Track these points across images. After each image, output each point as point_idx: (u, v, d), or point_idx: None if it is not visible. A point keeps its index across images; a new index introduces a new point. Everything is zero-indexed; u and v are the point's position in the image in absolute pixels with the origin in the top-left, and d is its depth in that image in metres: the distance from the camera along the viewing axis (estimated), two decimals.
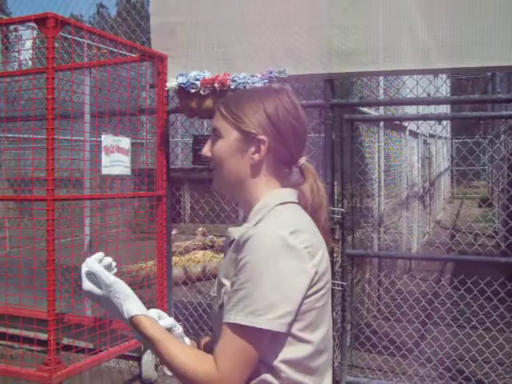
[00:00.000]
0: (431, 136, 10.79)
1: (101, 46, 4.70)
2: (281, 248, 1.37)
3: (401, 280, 5.74)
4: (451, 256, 6.02)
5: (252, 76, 3.95)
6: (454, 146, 16.85)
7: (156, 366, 4.44)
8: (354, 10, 3.95)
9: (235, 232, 1.51)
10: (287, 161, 1.58)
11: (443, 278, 6.21)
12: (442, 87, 8.86)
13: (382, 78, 5.56)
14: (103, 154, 3.76)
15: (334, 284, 3.99)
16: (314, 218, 1.55)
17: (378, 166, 5.77)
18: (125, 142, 3.95)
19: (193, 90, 4.02)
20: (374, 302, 5.31)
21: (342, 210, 3.99)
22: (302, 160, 1.60)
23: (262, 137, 1.53)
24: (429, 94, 4.57)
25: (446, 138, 14.87)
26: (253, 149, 1.54)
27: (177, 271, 6.94)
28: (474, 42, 3.69)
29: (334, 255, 4.02)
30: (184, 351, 1.42)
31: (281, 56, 4.09)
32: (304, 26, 4.03)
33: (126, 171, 3.97)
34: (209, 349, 1.57)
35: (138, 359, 4.52)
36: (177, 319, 4.58)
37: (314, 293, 1.42)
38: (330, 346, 1.53)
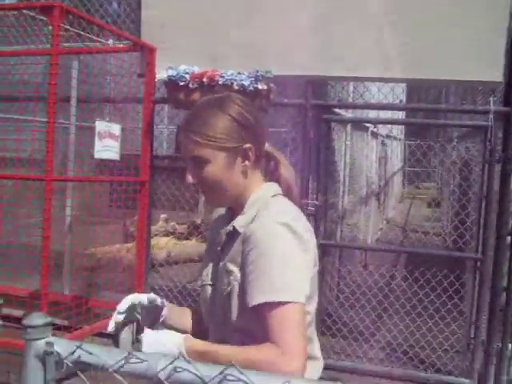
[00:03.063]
0: (387, 137, 11.23)
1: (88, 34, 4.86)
2: (288, 233, 1.51)
3: (360, 271, 6.10)
4: (419, 249, 6.40)
5: (239, 73, 4.19)
6: (406, 147, 17.42)
7: (132, 344, 4.63)
8: (334, 22, 4.25)
9: (236, 223, 1.63)
10: (262, 153, 1.70)
11: (399, 270, 6.61)
12: (398, 91, 9.27)
13: (351, 83, 5.88)
14: (96, 138, 3.94)
15: None
16: (289, 194, 1.71)
17: (344, 163, 6.10)
18: (115, 128, 4.14)
19: (182, 83, 4.24)
20: (339, 290, 5.63)
21: (316, 202, 4.29)
22: (266, 146, 1.73)
23: (247, 145, 1.63)
24: (401, 101, 4.92)
25: (400, 140, 15.41)
26: (240, 158, 1.63)
27: None
28: (430, 57, 4.04)
29: None
30: (243, 352, 1.44)
31: (267, 56, 4.32)
32: (291, 30, 4.29)
33: (116, 156, 4.16)
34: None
35: (113, 337, 4.70)
36: None
37: (313, 266, 1.60)
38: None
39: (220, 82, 4.16)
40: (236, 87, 4.11)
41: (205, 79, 4.19)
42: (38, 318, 1.09)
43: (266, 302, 1.44)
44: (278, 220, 1.53)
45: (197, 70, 4.25)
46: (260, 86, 4.10)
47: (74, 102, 4.77)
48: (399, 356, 4.45)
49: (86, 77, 4.81)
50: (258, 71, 4.16)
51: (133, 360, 1.00)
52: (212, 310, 1.69)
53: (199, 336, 1.65)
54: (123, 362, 1.01)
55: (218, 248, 1.69)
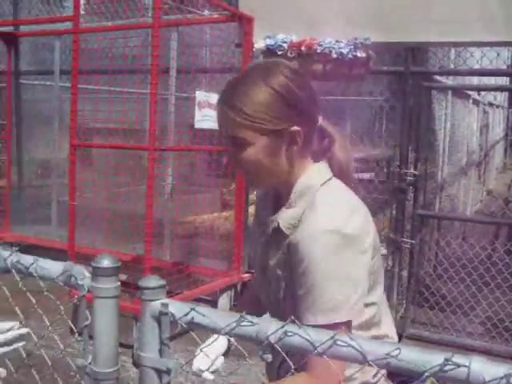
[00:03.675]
0: (490, 105, 10.75)
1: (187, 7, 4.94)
2: (340, 241, 1.34)
3: (459, 243, 5.94)
4: None
5: (337, 41, 4.14)
6: (510, 115, 16.61)
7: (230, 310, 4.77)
8: None
9: (281, 220, 1.46)
10: (313, 133, 1.47)
11: (501, 243, 6.38)
12: (505, 55, 8.82)
13: (452, 48, 5.66)
14: (196, 108, 4.03)
15: (403, 242, 4.23)
16: (344, 175, 1.51)
17: (444, 133, 5.91)
18: (215, 98, 4.20)
19: (280, 52, 4.24)
20: (437, 262, 5.52)
21: (415, 172, 4.21)
22: (320, 121, 1.49)
23: (295, 128, 1.40)
24: (508, 66, 4.70)
25: (503, 108, 14.73)
26: (287, 142, 1.42)
27: None
28: None
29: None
30: None
31: (364, 23, 4.24)
32: None
33: (215, 126, 4.23)
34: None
35: (212, 303, 4.85)
36: (250, 268, 4.88)
37: (372, 259, 1.44)
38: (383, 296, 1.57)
39: (318, 51, 4.14)
40: (334, 55, 4.07)
41: (303, 48, 4.18)
42: (153, 280, 1.14)
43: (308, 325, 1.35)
44: (326, 227, 1.35)
45: (295, 38, 4.24)
46: (359, 54, 4.05)
47: (173, 72, 4.88)
48: (500, 332, 4.31)
49: (185, 48, 4.90)
50: (356, 39, 4.10)
51: (244, 323, 1.03)
52: (263, 287, 1.60)
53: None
54: (234, 324, 1.03)
55: (265, 232, 1.54)
